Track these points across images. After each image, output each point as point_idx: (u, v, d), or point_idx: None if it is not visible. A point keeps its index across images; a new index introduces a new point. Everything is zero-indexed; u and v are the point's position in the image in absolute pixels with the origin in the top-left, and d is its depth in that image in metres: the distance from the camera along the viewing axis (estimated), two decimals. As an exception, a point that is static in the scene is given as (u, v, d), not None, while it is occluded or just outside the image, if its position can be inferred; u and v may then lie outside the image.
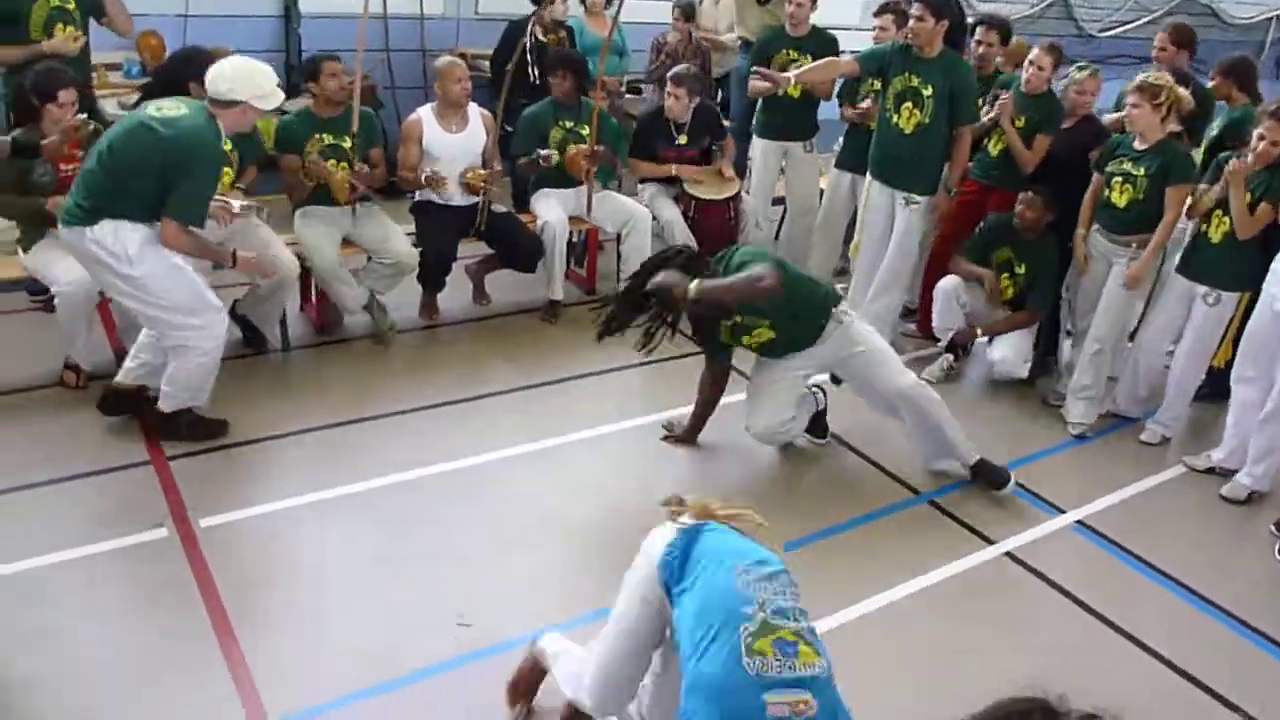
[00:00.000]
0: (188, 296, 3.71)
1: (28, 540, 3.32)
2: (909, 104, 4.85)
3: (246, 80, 3.58)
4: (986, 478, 4.15)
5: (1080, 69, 4.95)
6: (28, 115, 4.07)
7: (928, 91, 4.79)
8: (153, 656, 2.93)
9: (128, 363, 3.96)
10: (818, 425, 4.41)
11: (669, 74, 5.73)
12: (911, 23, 4.77)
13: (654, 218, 5.59)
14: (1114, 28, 11.13)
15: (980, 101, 5.15)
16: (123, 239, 3.55)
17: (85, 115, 4.11)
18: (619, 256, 5.64)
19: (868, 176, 5.17)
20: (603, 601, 3.15)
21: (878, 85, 5.19)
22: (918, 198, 4.96)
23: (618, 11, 5.51)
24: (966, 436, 4.19)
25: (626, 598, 2.36)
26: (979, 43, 5.30)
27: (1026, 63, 4.97)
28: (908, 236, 5.06)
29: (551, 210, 5.33)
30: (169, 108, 3.59)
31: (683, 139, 5.71)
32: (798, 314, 3.94)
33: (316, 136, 4.67)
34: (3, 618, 2.99)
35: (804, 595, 3.37)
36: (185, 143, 3.50)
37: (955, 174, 5.01)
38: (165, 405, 3.89)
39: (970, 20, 5.80)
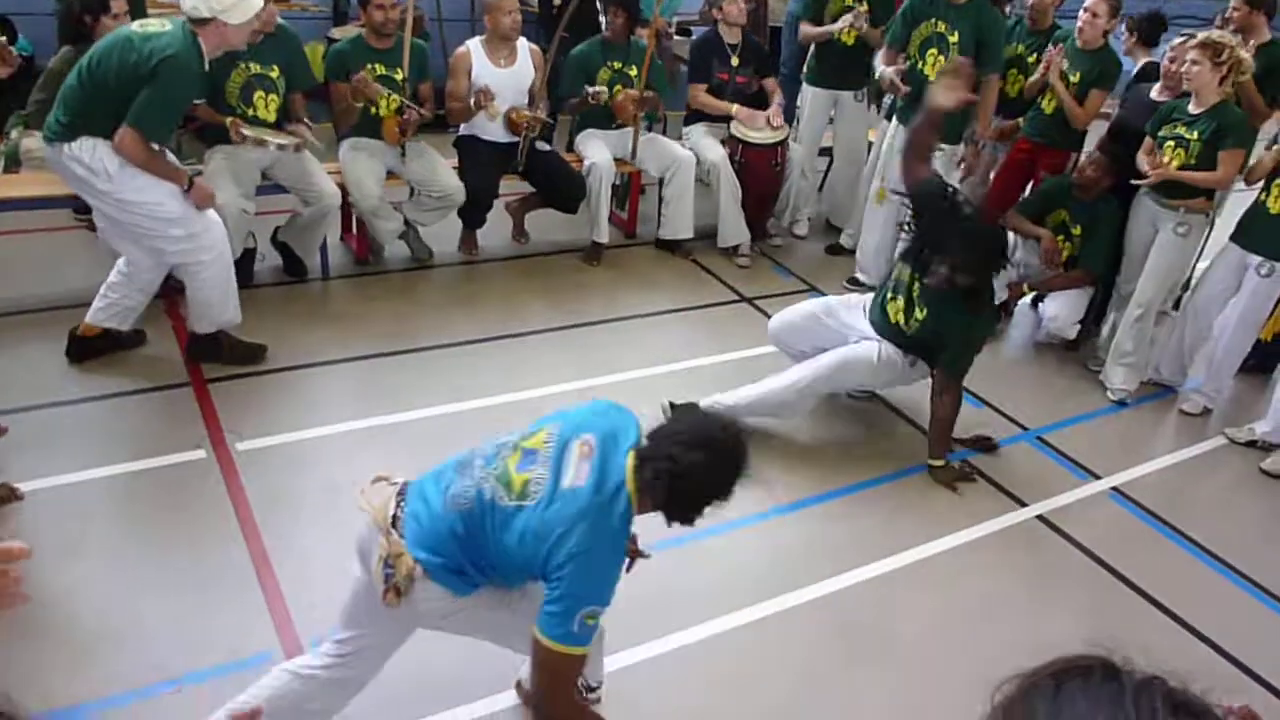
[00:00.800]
0: (171, 209, 3.62)
1: (69, 456, 3.38)
2: (934, 50, 4.77)
3: (219, 2, 3.44)
4: None
5: (1180, 36, 4.68)
6: (78, 34, 4.06)
7: (954, 38, 4.71)
8: (187, 574, 2.98)
9: (96, 302, 3.86)
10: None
11: None
12: None
13: (698, 160, 5.52)
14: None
15: (1034, 56, 5.04)
16: (100, 155, 3.50)
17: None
18: (660, 200, 5.59)
19: (893, 121, 5.09)
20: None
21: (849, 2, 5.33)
22: (943, 145, 4.86)
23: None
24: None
25: None
26: None
27: (1081, 11, 4.82)
28: None
29: (598, 151, 5.27)
30: (153, 25, 3.52)
31: (735, 60, 5.59)
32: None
33: (369, 66, 4.63)
34: (44, 530, 3.05)
35: (840, 547, 3.41)
36: (158, 56, 3.39)
37: (981, 125, 4.92)
38: (197, 327, 3.91)
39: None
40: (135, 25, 3.55)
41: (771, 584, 3.23)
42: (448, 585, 2.14)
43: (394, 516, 2.19)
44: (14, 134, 5.13)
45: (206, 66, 3.54)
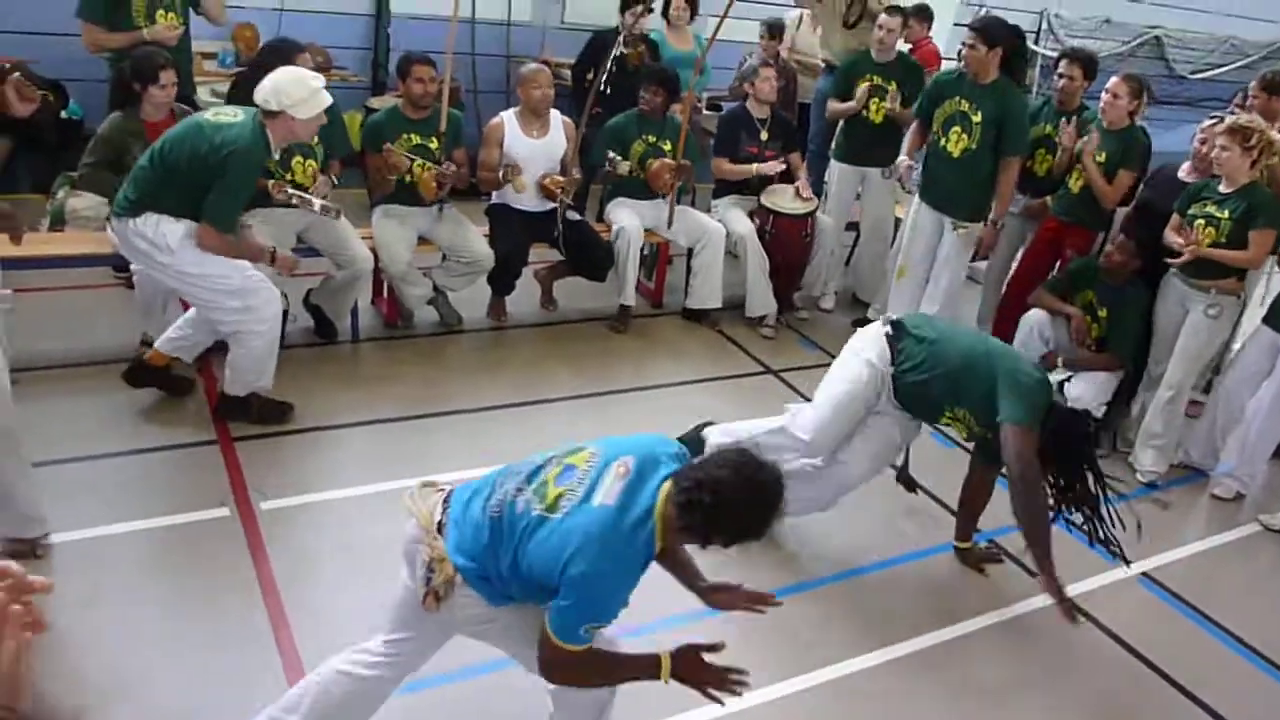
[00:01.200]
0: (230, 282, 3.75)
1: (95, 509, 3.41)
2: (957, 128, 4.82)
3: (283, 91, 3.60)
4: None
5: (1210, 118, 4.71)
6: (126, 100, 4.20)
7: (977, 117, 4.76)
8: (204, 631, 2.98)
9: (170, 332, 4.02)
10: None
11: (756, 62, 5.72)
12: (965, 51, 4.77)
13: (727, 232, 5.58)
14: (1206, 69, 10.88)
15: (1055, 132, 5.10)
16: (162, 230, 3.66)
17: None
18: (689, 271, 5.63)
19: (915, 198, 5.14)
20: (658, 612, 3.16)
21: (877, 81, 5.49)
22: (965, 224, 4.91)
23: (717, 27, 5.48)
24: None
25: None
26: (1061, 75, 5.19)
27: (1103, 92, 4.86)
28: (952, 261, 5.05)
29: (627, 218, 5.35)
30: (226, 114, 3.71)
31: (764, 134, 5.68)
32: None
33: (404, 136, 4.74)
34: (64, 581, 3.05)
35: (857, 630, 3.35)
36: (227, 148, 3.56)
37: (999, 206, 4.94)
38: (231, 389, 3.97)
39: (1055, 54, 5.72)
40: (209, 114, 3.74)
41: (786, 664, 3.17)
42: (482, 593, 2.21)
43: (439, 522, 2.27)
44: (60, 194, 5.27)
45: (276, 155, 3.72)
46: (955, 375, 3.35)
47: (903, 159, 5.27)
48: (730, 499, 2.06)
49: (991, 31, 4.66)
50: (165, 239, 3.65)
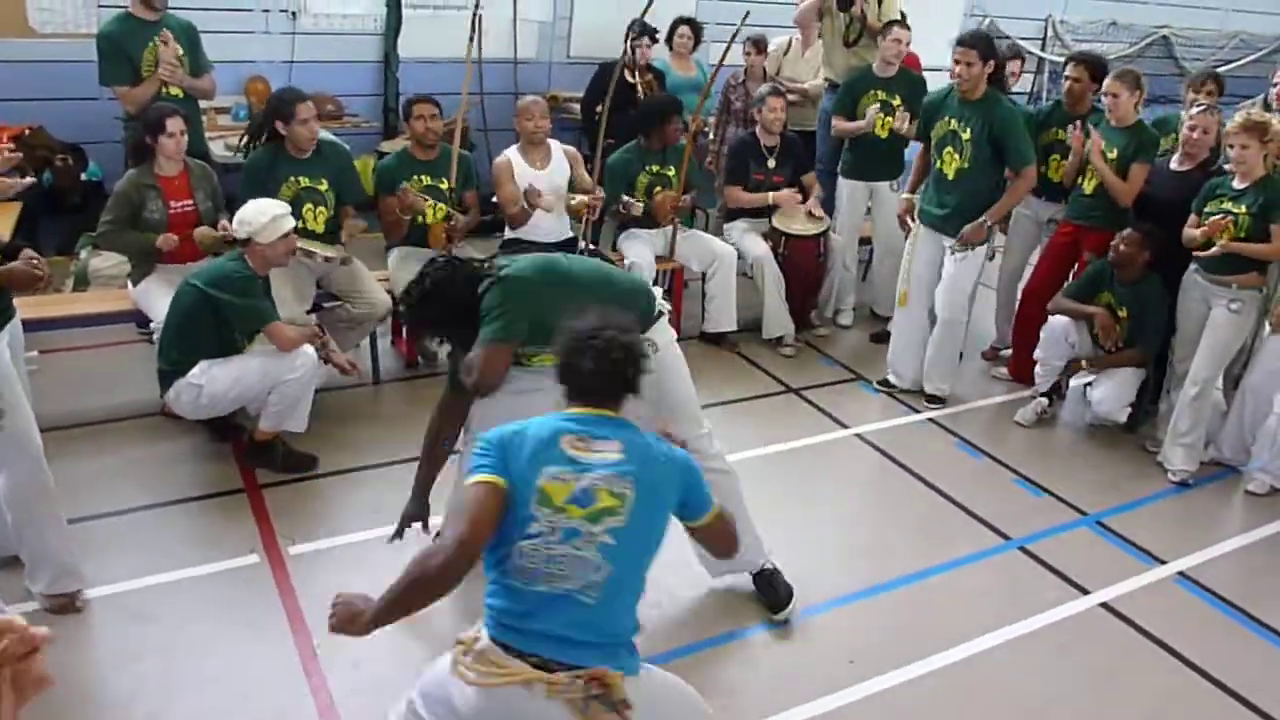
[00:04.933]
0: (259, 378, 3.93)
1: (127, 563, 3.45)
2: (950, 148, 4.71)
3: (245, 220, 3.86)
4: (767, 592, 3.45)
5: (1197, 106, 4.69)
6: (141, 158, 4.28)
7: (965, 135, 4.64)
8: (237, 677, 3.00)
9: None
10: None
11: (765, 90, 5.74)
12: (958, 69, 4.62)
13: (741, 255, 5.60)
14: (1217, 66, 10.81)
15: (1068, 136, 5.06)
16: (203, 370, 3.89)
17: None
18: (704, 295, 5.65)
19: (918, 223, 5.03)
20: (675, 641, 3.15)
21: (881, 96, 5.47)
22: (962, 248, 4.76)
23: (724, 52, 5.51)
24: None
25: None
26: (1068, 79, 5.18)
27: (1103, 95, 4.84)
28: (954, 288, 4.86)
29: (639, 251, 5.38)
30: (206, 265, 4.02)
31: (772, 162, 5.73)
32: None
33: (415, 178, 4.80)
34: (106, 636, 3.11)
35: (890, 643, 3.32)
36: (213, 285, 3.83)
37: (998, 209, 4.75)
38: (261, 425, 4.04)
39: (1062, 59, 5.69)
40: (191, 271, 4.01)
41: (819, 683, 3.15)
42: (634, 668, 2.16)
43: (547, 665, 2.06)
44: (83, 254, 5.39)
45: (260, 277, 3.95)
46: None
47: (905, 196, 5.23)
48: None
49: (983, 46, 4.60)
50: (200, 378, 3.88)
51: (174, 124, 4.19)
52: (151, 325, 4.26)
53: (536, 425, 2.22)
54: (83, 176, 6.03)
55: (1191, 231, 4.37)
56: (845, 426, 4.85)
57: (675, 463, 2.27)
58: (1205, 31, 10.80)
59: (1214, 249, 4.27)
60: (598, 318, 2.30)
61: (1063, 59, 5.68)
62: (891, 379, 5.26)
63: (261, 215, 3.87)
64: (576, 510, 2.11)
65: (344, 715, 2.89)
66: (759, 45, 6.61)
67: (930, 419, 4.95)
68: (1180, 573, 3.89)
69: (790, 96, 5.98)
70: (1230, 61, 10.66)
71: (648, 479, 2.18)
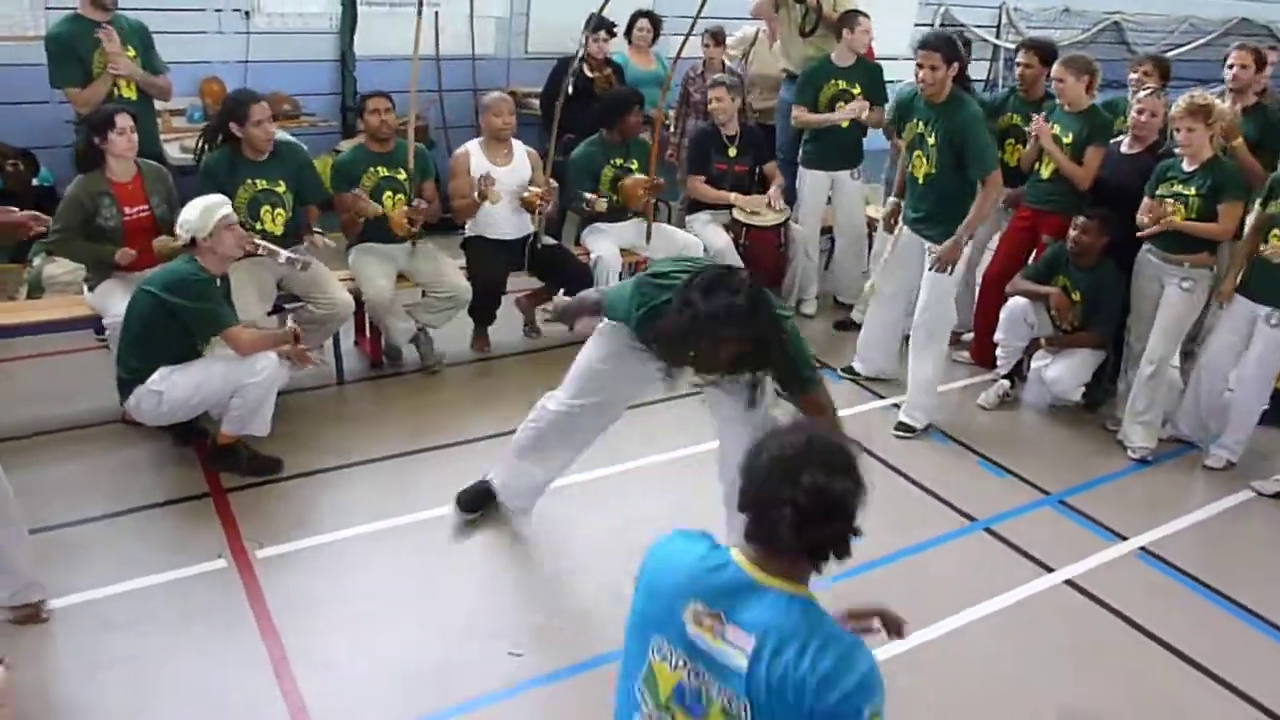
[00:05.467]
0: (220, 383, 3.89)
1: (92, 572, 3.41)
2: (919, 152, 4.64)
3: (183, 223, 3.83)
4: None
5: (1145, 90, 4.76)
6: (92, 162, 4.20)
7: (932, 140, 4.55)
8: (207, 683, 2.97)
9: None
10: None
11: (710, 81, 5.76)
12: (921, 73, 4.46)
13: (705, 248, 5.62)
14: (1167, 50, 10.98)
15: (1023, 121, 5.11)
16: (163, 377, 3.84)
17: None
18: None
19: (900, 224, 4.94)
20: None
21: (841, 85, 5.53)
22: (943, 269, 4.61)
23: (682, 45, 5.50)
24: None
25: None
26: (1020, 65, 5.23)
27: (1053, 80, 4.91)
28: (935, 285, 4.69)
29: (603, 245, 5.38)
30: (161, 269, 3.93)
31: (733, 151, 5.74)
32: None
33: (372, 170, 4.78)
34: (72, 645, 3.07)
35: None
36: (167, 289, 3.77)
37: (969, 223, 4.51)
38: (224, 428, 4.00)
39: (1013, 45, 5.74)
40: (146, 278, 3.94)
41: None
42: None
43: None
44: (36, 261, 5.30)
45: (217, 278, 3.91)
46: None
47: (891, 200, 5.12)
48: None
49: (946, 48, 4.47)
50: (161, 385, 3.84)
51: (123, 120, 4.12)
52: (106, 322, 4.19)
53: (667, 557, 1.74)
54: (34, 182, 5.93)
55: (1144, 219, 4.44)
56: (811, 414, 4.87)
57: (822, 688, 1.58)
58: (1156, 17, 10.97)
59: (1160, 226, 4.34)
60: (805, 444, 1.68)
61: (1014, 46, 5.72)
62: (857, 366, 5.28)
63: (194, 210, 3.82)
64: (682, 717, 1.69)
65: (316, 718, 2.87)
66: (717, 37, 6.63)
67: (895, 404, 5.00)
68: (1142, 548, 3.96)
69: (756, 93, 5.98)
70: (1180, 46, 10.84)
71: (768, 710, 1.60)
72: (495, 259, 5.12)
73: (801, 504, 1.59)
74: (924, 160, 4.61)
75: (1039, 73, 5.17)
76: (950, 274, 4.61)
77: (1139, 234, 4.47)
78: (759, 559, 1.67)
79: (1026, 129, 5.09)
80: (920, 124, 4.60)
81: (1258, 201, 4.46)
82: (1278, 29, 11.65)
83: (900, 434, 4.77)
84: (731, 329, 2.51)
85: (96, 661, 3.01)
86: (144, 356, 3.85)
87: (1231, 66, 4.81)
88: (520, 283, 5.39)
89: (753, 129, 5.91)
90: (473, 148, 5.12)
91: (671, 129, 6.79)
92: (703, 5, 5.15)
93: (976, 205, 4.49)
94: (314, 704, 2.91)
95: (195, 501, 3.88)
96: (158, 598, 3.33)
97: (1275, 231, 4.23)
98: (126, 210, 4.21)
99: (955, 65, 4.49)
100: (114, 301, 4.14)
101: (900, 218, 4.93)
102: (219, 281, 3.93)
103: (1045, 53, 5.20)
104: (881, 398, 5.10)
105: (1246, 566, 3.92)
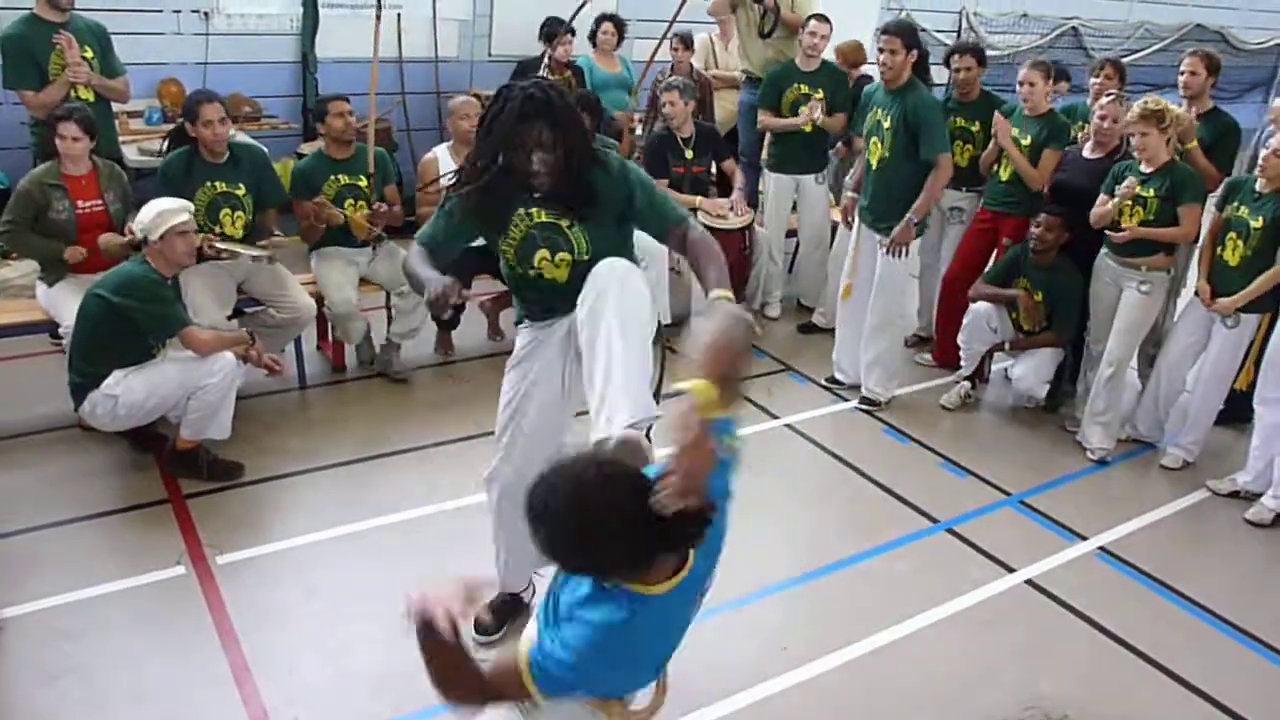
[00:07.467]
0: (176, 385, 3.84)
1: (46, 580, 3.34)
2: (875, 138, 4.74)
3: (139, 224, 3.80)
4: None
5: (1107, 96, 4.83)
6: (49, 156, 4.16)
7: (887, 124, 4.66)
8: (166, 690, 2.93)
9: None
10: None
11: (662, 85, 5.78)
12: (882, 56, 4.60)
13: (670, 252, 5.62)
14: (1124, 56, 11.16)
15: (976, 125, 5.18)
16: (118, 381, 3.79)
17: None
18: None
19: (857, 220, 5.03)
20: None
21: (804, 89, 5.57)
22: (895, 251, 4.75)
23: (654, 50, 5.54)
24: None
25: None
26: (958, 69, 5.29)
27: (1019, 84, 4.99)
28: (887, 278, 4.83)
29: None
30: (111, 272, 3.87)
31: (689, 153, 5.75)
32: None
33: (333, 178, 4.73)
34: (25, 655, 3.01)
35: (823, 629, 3.36)
36: (118, 292, 3.73)
37: (920, 204, 4.66)
38: (183, 432, 3.95)
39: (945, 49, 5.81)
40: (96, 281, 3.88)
41: (752, 671, 3.17)
42: None
43: None
44: (-10, 264, 5.21)
45: (168, 277, 3.87)
46: None
47: (848, 195, 5.24)
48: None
49: (907, 35, 4.66)
50: (116, 389, 3.77)
51: (67, 129, 4.08)
52: (61, 330, 4.13)
53: None
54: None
55: (1103, 209, 4.49)
56: (775, 417, 4.90)
57: None
58: (1112, 23, 11.16)
59: (1123, 233, 4.40)
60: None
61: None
62: (838, 375, 5.29)
63: (150, 210, 3.78)
64: None
65: (278, 725, 2.84)
66: (685, 42, 6.65)
67: (858, 408, 5.03)
68: (1101, 548, 4.02)
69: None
70: (1136, 51, 11.03)
71: None
72: (459, 261, 5.06)
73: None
74: (879, 145, 4.72)
75: (976, 74, 5.26)
76: (903, 257, 4.76)
77: (1105, 231, 4.51)
78: None
79: (970, 129, 5.21)
80: (879, 110, 4.74)
81: (1213, 205, 4.55)
82: (1230, 34, 11.89)
83: (864, 408, 4.98)
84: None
85: (51, 672, 2.95)
86: (97, 360, 3.78)
87: (1183, 73, 4.90)
88: (484, 286, 5.36)
89: (708, 129, 5.92)
90: (441, 152, 5.10)
91: (639, 133, 6.80)
92: (680, 9, 5.16)
93: (927, 187, 4.66)
94: (275, 707, 2.88)
95: (154, 508, 3.82)
96: (115, 606, 3.27)
97: (1231, 235, 4.31)
98: (80, 204, 4.17)
99: (914, 52, 4.65)
100: (69, 305, 4.07)
101: (856, 213, 5.01)
102: (169, 282, 3.88)
103: (979, 55, 5.32)
104: (845, 400, 5.12)
105: (1202, 565, 3.98)
